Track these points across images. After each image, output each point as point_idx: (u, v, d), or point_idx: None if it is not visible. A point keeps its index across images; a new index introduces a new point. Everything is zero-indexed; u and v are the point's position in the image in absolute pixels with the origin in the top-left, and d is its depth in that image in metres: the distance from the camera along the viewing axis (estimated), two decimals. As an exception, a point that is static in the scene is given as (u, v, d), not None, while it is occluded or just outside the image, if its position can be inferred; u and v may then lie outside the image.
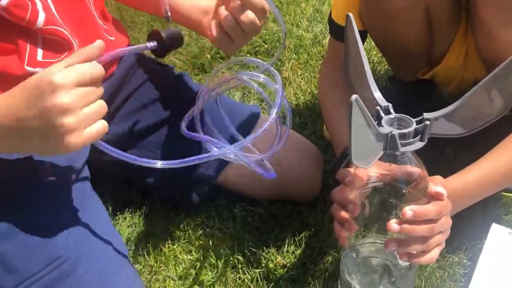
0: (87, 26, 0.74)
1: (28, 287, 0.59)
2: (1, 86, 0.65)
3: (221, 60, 1.35)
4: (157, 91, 0.89)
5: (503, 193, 0.90)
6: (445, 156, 0.96)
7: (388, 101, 0.59)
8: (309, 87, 1.23)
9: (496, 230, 0.80)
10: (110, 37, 0.82)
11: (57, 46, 0.69)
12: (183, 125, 0.71)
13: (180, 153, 0.85)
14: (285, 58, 1.34)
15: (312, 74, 1.28)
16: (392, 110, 0.58)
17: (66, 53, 0.70)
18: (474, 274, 0.74)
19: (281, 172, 0.86)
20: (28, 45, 0.66)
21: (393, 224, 0.59)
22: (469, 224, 0.84)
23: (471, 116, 0.57)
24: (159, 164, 0.59)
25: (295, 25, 1.45)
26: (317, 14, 1.51)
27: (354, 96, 0.48)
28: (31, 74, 0.65)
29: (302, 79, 1.27)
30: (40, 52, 0.67)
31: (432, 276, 0.75)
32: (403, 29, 0.83)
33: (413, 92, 1.00)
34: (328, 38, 1.05)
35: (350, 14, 0.59)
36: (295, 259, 0.79)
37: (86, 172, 0.75)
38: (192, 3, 0.85)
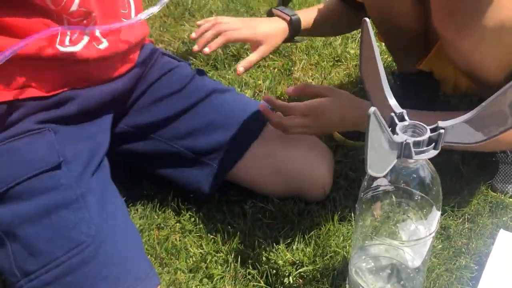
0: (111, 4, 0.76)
1: (50, 271, 0.60)
2: (36, 67, 0.67)
3: (233, 57, 1.36)
4: (173, 85, 0.90)
5: (490, 191, 0.91)
6: (453, 162, 0.97)
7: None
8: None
9: (503, 236, 0.81)
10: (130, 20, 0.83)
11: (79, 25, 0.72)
12: None
13: (191, 146, 0.87)
14: (296, 58, 1.35)
15: (323, 75, 1.29)
16: (406, 117, 0.59)
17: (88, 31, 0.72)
18: (482, 278, 0.75)
19: (292, 169, 0.88)
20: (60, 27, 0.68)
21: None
22: (476, 229, 0.85)
23: (486, 125, 0.58)
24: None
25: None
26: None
27: (372, 109, 0.49)
28: (64, 53, 0.68)
29: (313, 80, 1.28)
30: (67, 37, 0.69)
31: (440, 278, 0.76)
32: (397, 9, 0.87)
33: (413, 85, 1.01)
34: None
35: (367, 19, 0.60)
36: (304, 257, 0.80)
37: (106, 162, 0.76)
38: None
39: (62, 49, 0.69)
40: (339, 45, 1.39)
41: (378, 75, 0.62)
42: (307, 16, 1.04)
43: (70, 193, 0.65)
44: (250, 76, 1.29)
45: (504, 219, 0.87)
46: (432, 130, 0.56)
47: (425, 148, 0.56)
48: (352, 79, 1.26)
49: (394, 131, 0.57)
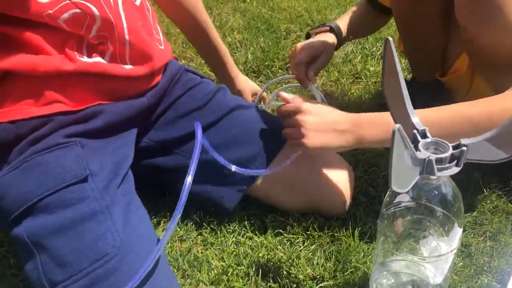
0: (140, 35, 0.79)
1: (77, 281, 0.62)
2: (64, 82, 0.71)
3: (253, 74, 1.38)
4: (196, 101, 0.93)
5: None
6: (473, 179, 0.97)
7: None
8: (338, 103, 1.25)
9: (526, 255, 0.80)
10: (160, 46, 0.87)
11: (97, 50, 0.75)
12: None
13: (213, 161, 0.89)
14: (316, 74, 1.37)
15: (342, 92, 1.31)
16: (428, 134, 0.60)
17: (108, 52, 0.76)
18: (504, 296, 0.74)
19: (313, 186, 0.89)
20: (75, 48, 0.72)
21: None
22: (498, 247, 0.85)
23: (508, 143, 0.59)
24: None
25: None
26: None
27: (396, 126, 0.50)
28: (84, 67, 0.71)
29: (332, 96, 1.30)
30: (85, 52, 0.74)
31: (461, 296, 0.76)
32: (423, 18, 0.88)
33: (424, 93, 1.02)
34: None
35: (390, 38, 0.62)
36: (325, 272, 0.80)
37: (130, 175, 0.78)
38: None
39: (85, 59, 0.72)
40: (358, 62, 1.40)
41: (401, 93, 0.63)
42: (342, 23, 1.09)
43: (96, 205, 0.67)
44: (270, 92, 1.31)
45: (526, 237, 0.86)
46: (454, 147, 0.57)
47: (447, 165, 0.57)
48: (371, 96, 1.27)
49: (416, 148, 0.58)
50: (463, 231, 0.88)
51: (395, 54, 0.62)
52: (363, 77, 1.35)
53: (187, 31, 1.09)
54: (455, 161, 0.57)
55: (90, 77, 0.74)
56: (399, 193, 0.66)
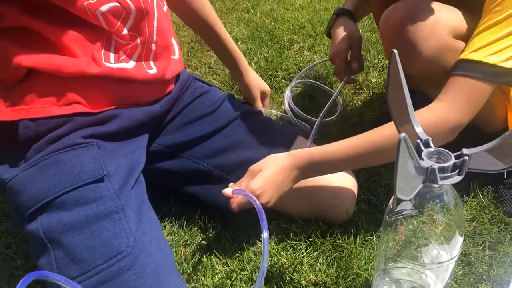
0: (167, 38, 0.83)
1: (90, 278, 0.63)
2: (86, 85, 0.73)
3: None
4: (205, 108, 0.95)
5: (506, 218, 0.93)
6: (472, 190, 0.99)
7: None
8: (341, 114, 1.27)
9: (525, 264, 0.82)
10: (175, 56, 0.91)
11: (125, 51, 0.78)
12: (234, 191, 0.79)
13: (219, 164, 0.91)
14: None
15: (344, 102, 1.33)
16: (431, 144, 0.62)
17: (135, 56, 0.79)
18: (503, 304, 0.76)
19: (318, 193, 0.91)
20: (103, 50, 0.73)
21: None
22: (497, 257, 0.86)
23: (508, 154, 0.60)
24: None
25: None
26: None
27: (402, 135, 0.52)
28: (108, 71, 0.73)
29: (335, 107, 1.32)
30: (112, 55, 0.75)
31: (460, 304, 0.77)
32: None
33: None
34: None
35: (395, 51, 0.64)
36: (327, 278, 0.82)
37: (142, 179, 0.80)
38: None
39: (110, 65, 0.74)
40: (360, 74, 1.43)
41: (405, 103, 0.65)
42: (349, 5, 1.15)
43: (111, 204, 0.69)
44: (274, 101, 1.34)
45: (525, 247, 0.88)
46: (456, 157, 0.59)
47: (450, 174, 0.58)
48: (373, 107, 1.29)
49: (420, 157, 0.60)
50: (463, 240, 0.90)
51: (400, 67, 0.64)
52: (365, 88, 1.37)
53: (198, 30, 1.13)
54: (457, 170, 0.59)
55: (113, 82, 0.76)
56: (401, 201, 0.67)
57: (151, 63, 0.82)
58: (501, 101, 0.96)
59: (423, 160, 0.59)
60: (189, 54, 1.57)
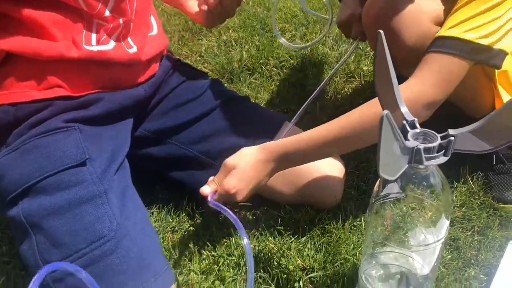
0: (145, 16, 0.82)
1: (72, 262, 0.62)
2: (67, 68, 0.71)
3: (248, 71, 1.40)
4: (191, 93, 0.94)
5: (502, 205, 0.92)
6: (462, 175, 0.99)
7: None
8: (332, 102, 1.26)
9: (513, 248, 0.82)
10: (151, 33, 0.88)
11: (106, 30, 0.77)
12: (210, 197, 0.77)
13: (205, 150, 0.90)
14: (309, 73, 1.38)
15: (335, 90, 1.32)
16: (417, 125, 0.61)
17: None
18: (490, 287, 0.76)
19: (306, 178, 0.90)
20: (84, 32, 0.72)
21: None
22: (486, 241, 0.86)
23: (496, 133, 0.60)
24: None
25: (321, 43, 1.50)
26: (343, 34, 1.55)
27: (384, 112, 0.51)
28: (96, 53, 0.72)
29: (325, 95, 1.31)
30: (94, 36, 0.74)
31: (448, 287, 0.77)
32: None
33: None
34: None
35: (381, 32, 0.63)
36: (315, 263, 0.81)
37: (126, 164, 0.79)
38: None
39: (90, 48, 0.73)
40: (352, 61, 1.42)
41: (390, 83, 0.64)
42: None
43: (93, 188, 0.68)
44: (264, 90, 1.33)
45: (513, 231, 0.87)
46: (442, 138, 0.58)
47: (435, 155, 0.58)
48: (364, 95, 1.29)
49: (405, 138, 0.59)
50: (452, 226, 0.89)
51: (386, 48, 0.63)
52: (356, 76, 1.36)
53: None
54: (443, 150, 0.59)
55: (93, 65, 0.75)
56: (387, 185, 0.67)
57: (130, 41, 0.80)
58: (488, 87, 0.95)
59: (408, 140, 0.59)
60: (180, 42, 1.56)
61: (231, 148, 0.87)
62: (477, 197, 0.95)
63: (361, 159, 1.04)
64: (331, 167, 0.91)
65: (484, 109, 0.98)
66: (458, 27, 0.78)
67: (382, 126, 0.52)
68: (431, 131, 0.59)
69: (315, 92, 1.06)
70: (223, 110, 0.93)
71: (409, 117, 0.62)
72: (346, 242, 0.84)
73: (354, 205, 0.92)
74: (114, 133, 0.80)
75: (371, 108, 0.80)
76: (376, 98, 0.81)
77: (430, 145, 0.57)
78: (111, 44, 0.77)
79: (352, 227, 0.88)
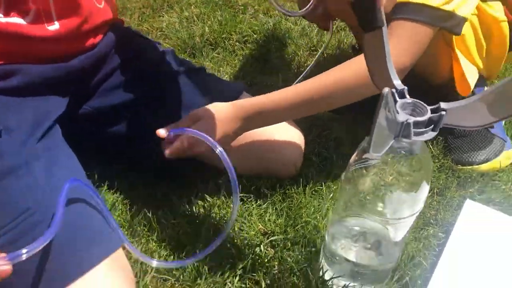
0: None
1: (0, 237, 0.58)
2: None
3: (210, 46, 1.37)
4: (143, 66, 0.90)
5: (461, 167, 0.94)
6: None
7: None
8: (294, 75, 1.26)
9: (469, 206, 0.83)
10: (98, 5, 0.82)
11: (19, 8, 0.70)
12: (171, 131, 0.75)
13: (156, 126, 0.86)
14: (273, 47, 1.37)
15: (298, 63, 1.31)
16: (407, 95, 0.56)
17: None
18: (447, 243, 0.77)
19: (264, 149, 0.88)
20: None
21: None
22: (444, 201, 0.87)
23: (487, 110, 0.55)
24: None
25: (284, 18, 1.49)
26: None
27: (386, 90, 0.48)
28: (8, 24, 0.67)
29: (289, 68, 1.30)
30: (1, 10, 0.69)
31: (408, 246, 0.77)
32: None
33: None
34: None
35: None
36: (276, 227, 0.81)
37: (56, 130, 0.74)
38: None
39: (1, 19, 0.68)
40: (315, 35, 1.41)
41: (384, 53, 0.61)
42: None
43: (13, 160, 0.64)
44: (227, 64, 1.31)
45: (471, 190, 0.89)
46: (432, 111, 0.53)
47: (424, 130, 0.53)
48: (326, 67, 1.28)
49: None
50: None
51: (382, 10, 0.60)
52: (319, 49, 1.36)
53: None
54: (432, 125, 0.54)
55: (6, 37, 0.69)
56: (364, 152, 0.65)
57: (53, 16, 0.73)
58: (446, 52, 0.96)
59: (397, 112, 0.54)
60: (140, 19, 1.52)
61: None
62: (437, 160, 0.96)
63: (324, 127, 1.04)
64: (290, 137, 0.90)
65: (442, 75, 0.99)
66: None
67: (383, 104, 0.49)
68: (421, 102, 0.54)
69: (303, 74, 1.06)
70: (179, 83, 0.90)
71: (400, 86, 0.57)
72: (307, 206, 0.84)
73: (315, 171, 0.92)
74: (39, 103, 0.74)
75: (350, 66, 0.80)
76: (350, 61, 0.81)
77: (420, 119, 0.52)
78: (26, 18, 0.71)
79: (313, 192, 0.88)
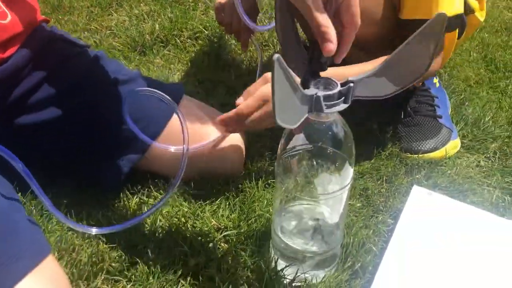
0: None
1: None
2: None
3: (161, 43, 1.36)
4: (71, 76, 0.85)
5: (409, 155, 0.97)
6: (371, 131, 1.02)
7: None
8: (247, 71, 1.26)
9: (416, 191, 0.86)
10: (2, 21, 0.77)
11: None
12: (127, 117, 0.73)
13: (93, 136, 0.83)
14: (225, 43, 1.37)
15: (251, 59, 1.32)
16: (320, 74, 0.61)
17: None
18: (396, 228, 0.79)
19: (204, 156, 0.85)
20: None
21: None
22: (392, 188, 0.90)
23: (388, 81, 0.60)
24: None
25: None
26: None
27: (276, 56, 0.49)
28: None
29: (242, 63, 1.30)
30: None
31: (358, 233, 0.79)
32: None
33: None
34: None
35: None
36: (229, 222, 0.81)
37: None
38: None
39: None
40: (267, 31, 1.42)
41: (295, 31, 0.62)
42: None
43: None
44: (179, 61, 1.30)
45: (417, 176, 0.92)
46: (342, 85, 0.58)
47: (335, 102, 0.57)
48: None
49: (308, 87, 0.58)
50: (362, 177, 0.92)
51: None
52: (270, 44, 1.37)
53: None
54: (343, 98, 0.58)
55: None
56: (292, 138, 0.67)
57: None
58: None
59: (309, 89, 0.58)
60: (88, 18, 1.48)
61: (121, 141, 0.84)
62: (385, 149, 0.98)
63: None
64: (231, 139, 0.89)
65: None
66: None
67: (274, 71, 0.50)
68: (332, 78, 0.58)
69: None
70: (109, 96, 0.85)
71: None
72: (260, 199, 0.84)
73: (268, 165, 0.93)
74: None
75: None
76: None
77: (329, 92, 0.56)
78: None
79: (266, 185, 0.88)
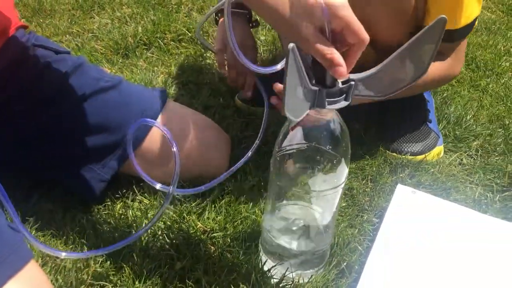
0: None
1: None
2: None
3: (144, 46, 1.35)
4: (48, 87, 0.83)
5: (389, 152, 0.98)
6: (355, 131, 1.03)
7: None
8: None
9: (401, 190, 0.87)
10: None
11: None
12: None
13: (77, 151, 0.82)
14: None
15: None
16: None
17: None
18: (381, 227, 0.80)
19: (187, 163, 0.84)
20: None
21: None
22: (377, 187, 0.90)
23: (388, 81, 0.60)
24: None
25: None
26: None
27: (291, 45, 0.49)
28: None
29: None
30: None
31: (343, 232, 0.80)
32: None
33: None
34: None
35: None
36: (215, 224, 0.81)
37: None
38: None
39: None
40: (255, 32, 1.42)
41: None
42: None
43: None
44: (162, 63, 1.29)
45: (401, 175, 0.93)
46: (343, 83, 0.58)
47: (337, 99, 0.58)
48: (264, 63, 1.30)
49: (311, 83, 0.58)
50: (347, 177, 0.92)
51: None
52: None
53: None
54: (344, 95, 0.58)
55: None
56: (288, 136, 0.66)
57: None
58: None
59: (313, 84, 0.58)
60: (70, 21, 1.47)
61: (98, 147, 0.83)
62: (370, 149, 0.99)
63: (260, 122, 1.04)
64: (214, 145, 0.90)
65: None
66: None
67: (289, 60, 0.50)
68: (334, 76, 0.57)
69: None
70: (90, 104, 0.83)
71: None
72: (245, 201, 0.84)
73: (253, 166, 0.93)
74: None
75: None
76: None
77: (332, 89, 0.57)
78: None
79: (251, 187, 0.88)
